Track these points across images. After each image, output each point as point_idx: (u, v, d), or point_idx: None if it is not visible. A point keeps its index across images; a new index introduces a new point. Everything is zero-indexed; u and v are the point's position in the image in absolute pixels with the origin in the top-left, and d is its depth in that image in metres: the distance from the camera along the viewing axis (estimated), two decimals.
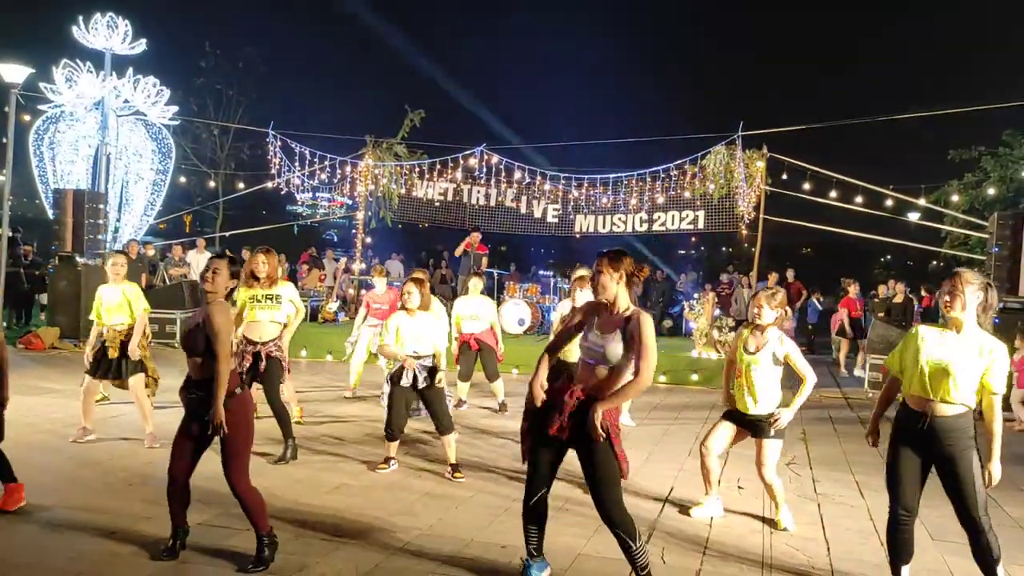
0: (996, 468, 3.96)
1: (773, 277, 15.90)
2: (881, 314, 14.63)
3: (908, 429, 4.09)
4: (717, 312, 13.60)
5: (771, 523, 5.55)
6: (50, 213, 15.87)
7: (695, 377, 12.21)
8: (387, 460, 6.57)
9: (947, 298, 4.02)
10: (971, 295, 3.96)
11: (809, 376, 5.44)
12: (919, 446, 4.06)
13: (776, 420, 5.36)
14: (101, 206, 14.99)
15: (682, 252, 42.51)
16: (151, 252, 17.27)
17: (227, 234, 23.46)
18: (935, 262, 24.72)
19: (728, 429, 5.58)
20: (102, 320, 7.09)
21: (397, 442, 6.60)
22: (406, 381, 6.40)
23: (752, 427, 5.47)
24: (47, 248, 18.98)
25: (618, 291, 4.00)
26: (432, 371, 6.43)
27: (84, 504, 5.26)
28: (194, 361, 4.34)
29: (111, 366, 6.99)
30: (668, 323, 17.59)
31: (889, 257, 47.68)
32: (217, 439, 4.30)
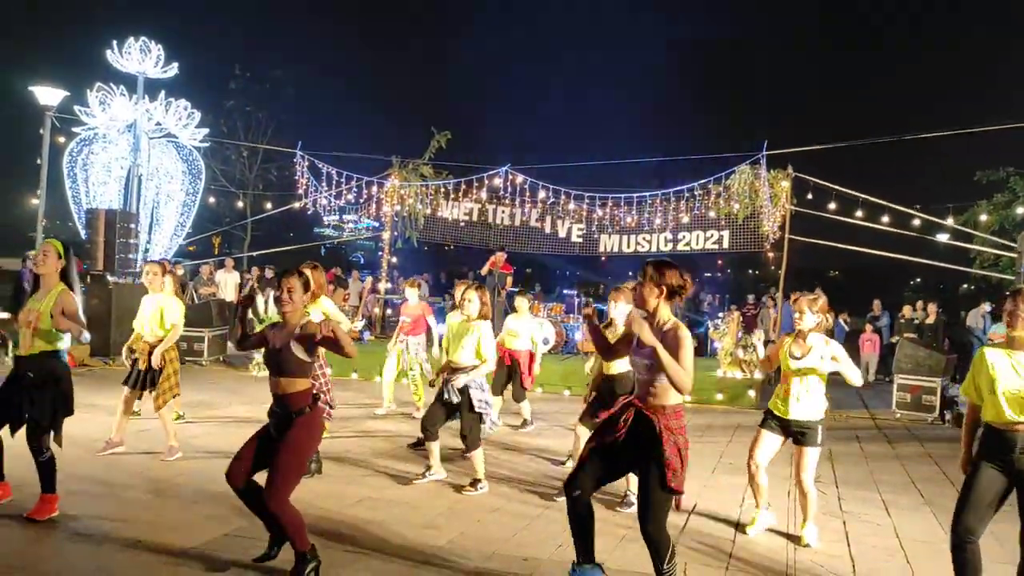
0: None
1: (795, 296, 15.77)
2: (909, 335, 14.48)
3: (995, 449, 4.02)
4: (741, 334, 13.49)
5: (795, 539, 5.51)
6: (82, 233, 16.16)
7: (720, 397, 12.13)
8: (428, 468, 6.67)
9: (1008, 317, 4.01)
10: None
11: (856, 379, 5.44)
12: (1006, 467, 3.97)
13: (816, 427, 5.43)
14: (132, 226, 15.25)
15: (708, 274, 42.33)
16: (180, 271, 17.52)
17: (255, 254, 23.74)
18: (967, 284, 24.38)
19: (771, 439, 5.60)
20: (138, 329, 7.29)
21: (435, 448, 6.61)
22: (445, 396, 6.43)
23: (793, 434, 5.49)
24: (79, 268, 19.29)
25: (658, 305, 4.04)
26: (463, 388, 6.36)
27: (111, 514, 5.33)
28: (275, 380, 4.42)
29: (140, 377, 7.13)
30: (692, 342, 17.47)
31: (919, 280, 47.15)
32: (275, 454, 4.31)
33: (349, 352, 4.28)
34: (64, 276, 5.30)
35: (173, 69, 17.63)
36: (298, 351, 4.32)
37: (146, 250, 17.82)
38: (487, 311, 6.56)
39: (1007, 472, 3.97)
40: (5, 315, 12.60)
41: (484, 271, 15.19)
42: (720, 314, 15.58)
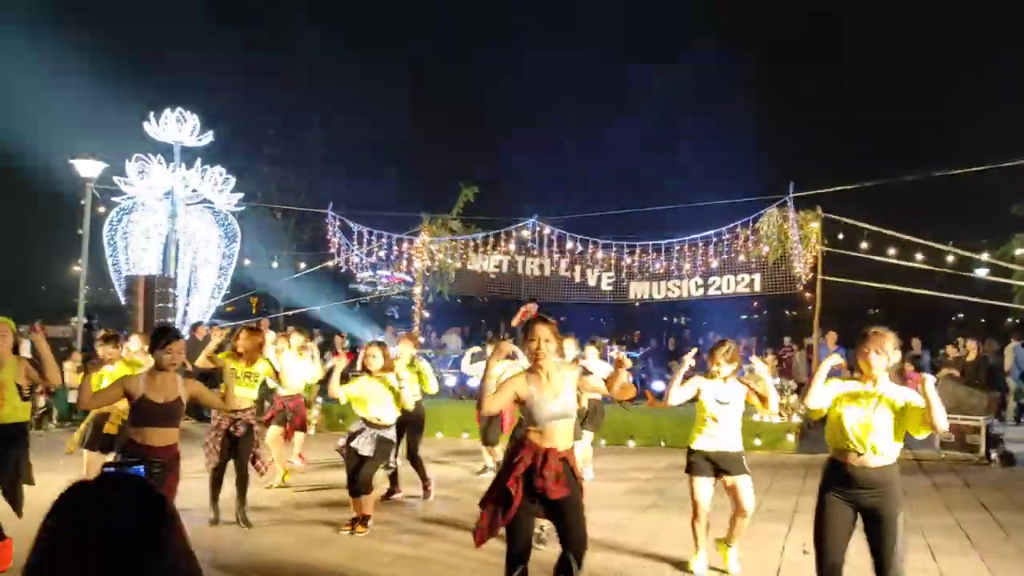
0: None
1: (832, 337, 15.58)
2: (955, 372, 14.16)
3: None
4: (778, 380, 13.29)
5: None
6: (122, 299, 16.53)
7: (758, 442, 11.95)
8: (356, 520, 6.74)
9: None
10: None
11: (773, 405, 5.80)
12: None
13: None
14: (170, 290, 15.58)
15: (744, 317, 41.92)
16: (217, 334, 17.78)
17: (291, 312, 24.03)
18: (1010, 319, 23.93)
19: (707, 483, 5.71)
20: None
21: (360, 500, 6.69)
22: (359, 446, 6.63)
23: (725, 464, 5.62)
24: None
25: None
26: (381, 440, 6.62)
27: None
28: (160, 431, 4.73)
29: (103, 440, 7.20)
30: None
31: (962, 316, 46.22)
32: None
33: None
34: (15, 349, 5.74)
35: (208, 137, 18.16)
36: (187, 403, 4.83)
37: (184, 313, 18.16)
38: (391, 364, 6.89)
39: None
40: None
41: (515, 322, 15.23)
42: (751, 357, 15.39)
